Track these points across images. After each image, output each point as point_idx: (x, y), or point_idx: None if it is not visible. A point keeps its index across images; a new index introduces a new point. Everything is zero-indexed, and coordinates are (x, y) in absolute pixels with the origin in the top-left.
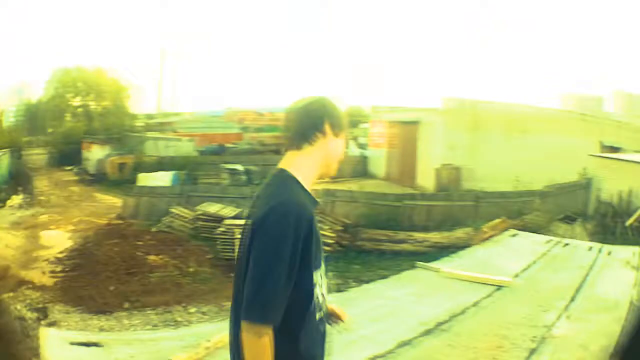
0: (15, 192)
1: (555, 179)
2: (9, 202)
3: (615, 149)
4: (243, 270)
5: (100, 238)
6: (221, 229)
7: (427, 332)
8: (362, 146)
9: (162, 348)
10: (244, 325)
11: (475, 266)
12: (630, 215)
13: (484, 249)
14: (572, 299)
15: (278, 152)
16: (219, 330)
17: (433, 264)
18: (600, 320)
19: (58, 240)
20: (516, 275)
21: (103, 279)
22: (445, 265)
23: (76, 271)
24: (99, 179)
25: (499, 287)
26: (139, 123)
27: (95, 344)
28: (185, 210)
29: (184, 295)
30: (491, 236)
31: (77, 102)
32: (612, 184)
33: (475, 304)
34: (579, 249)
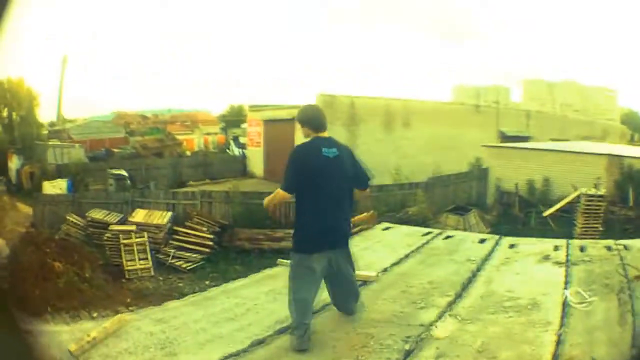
0: None
1: (442, 170)
2: None
3: (522, 138)
4: (351, 175)
5: (23, 246)
6: (107, 235)
7: (283, 330)
8: (242, 146)
9: (64, 340)
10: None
11: None
12: (548, 206)
13: (352, 244)
14: (459, 296)
15: (160, 154)
16: (94, 326)
17: None
18: (508, 322)
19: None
20: (385, 270)
21: (30, 285)
22: None
23: (13, 278)
24: (18, 188)
25: (365, 283)
26: (44, 131)
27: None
28: (78, 218)
29: (86, 300)
30: (361, 230)
31: (5, 113)
32: (518, 173)
33: None
34: (465, 241)
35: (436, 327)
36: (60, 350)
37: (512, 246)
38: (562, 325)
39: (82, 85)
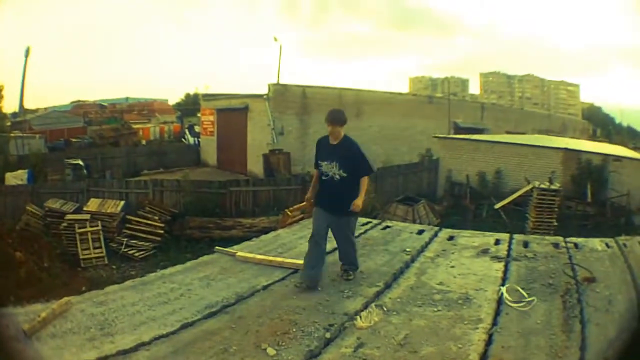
0: None
1: (393, 161)
2: None
3: (476, 130)
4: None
5: None
6: (64, 224)
7: (211, 315)
8: (197, 134)
9: (20, 321)
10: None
11: (276, 250)
12: (500, 198)
13: (291, 233)
14: (388, 286)
15: (116, 144)
16: (44, 309)
17: (233, 248)
18: (435, 316)
19: None
20: None
21: None
22: (247, 249)
23: None
24: None
25: (296, 271)
26: (8, 122)
27: None
28: (37, 208)
29: (45, 289)
30: (302, 219)
31: None
32: (470, 165)
33: (265, 288)
34: (403, 232)
35: (360, 317)
36: (16, 330)
37: (450, 238)
38: (494, 324)
39: (43, 76)
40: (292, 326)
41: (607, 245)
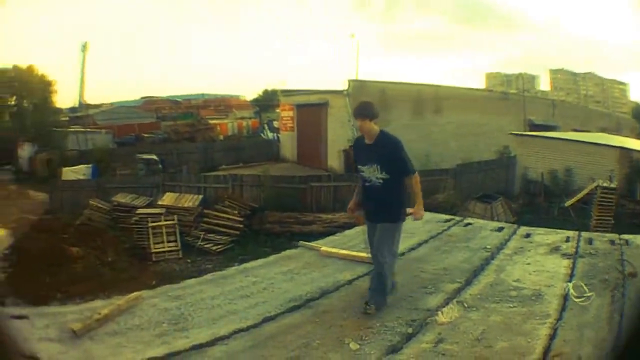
0: None
1: (471, 158)
2: None
3: (549, 128)
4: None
5: (34, 233)
6: (135, 218)
7: (294, 309)
8: (275, 130)
9: (68, 320)
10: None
11: (359, 245)
12: (569, 196)
13: None
14: (468, 283)
15: (192, 139)
16: (106, 305)
17: (317, 243)
18: (510, 312)
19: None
20: (401, 255)
21: (38, 272)
22: (330, 244)
23: (18, 266)
24: (31, 176)
25: None
26: (63, 117)
27: (25, 317)
28: (103, 202)
29: (106, 283)
30: None
31: (13, 101)
32: (544, 162)
33: (349, 282)
34: (483, 230)
35: (441, 312)
36: (61, 330)
37: (527, 235)
38: (559, 318)
39: (106, 71)
40: (375, 321)
41: None
